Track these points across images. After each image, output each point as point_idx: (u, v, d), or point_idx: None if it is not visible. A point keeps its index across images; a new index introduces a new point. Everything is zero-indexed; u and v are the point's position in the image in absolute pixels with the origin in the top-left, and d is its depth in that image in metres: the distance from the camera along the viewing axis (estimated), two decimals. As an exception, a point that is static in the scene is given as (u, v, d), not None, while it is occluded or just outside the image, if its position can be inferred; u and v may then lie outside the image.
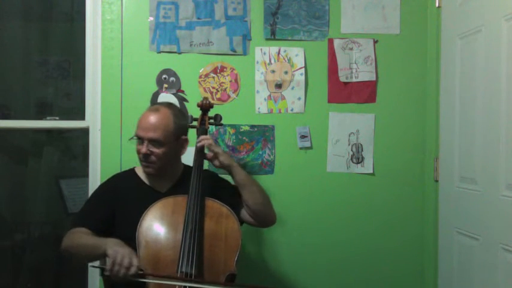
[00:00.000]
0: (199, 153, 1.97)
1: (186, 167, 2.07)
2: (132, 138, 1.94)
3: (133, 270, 1.62)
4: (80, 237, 1.81)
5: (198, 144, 1.96)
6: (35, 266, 2.97)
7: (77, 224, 1.88)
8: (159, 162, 1.91)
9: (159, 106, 1.97)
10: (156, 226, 1.79)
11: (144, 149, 1.89)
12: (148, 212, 1.81)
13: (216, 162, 1.97)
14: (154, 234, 1.77)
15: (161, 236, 1.78)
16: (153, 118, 1.89)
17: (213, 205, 1.88)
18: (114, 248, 1.65)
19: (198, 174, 1.90)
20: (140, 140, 1.90)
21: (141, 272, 1.64)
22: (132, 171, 2.06)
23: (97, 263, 1.78)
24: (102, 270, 1.65)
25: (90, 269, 2.43)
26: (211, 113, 2.14)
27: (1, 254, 2.99)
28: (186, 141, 1.99)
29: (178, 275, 1.67)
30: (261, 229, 2.44)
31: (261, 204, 1.96)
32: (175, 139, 1.93)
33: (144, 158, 1.91)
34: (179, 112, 2.01)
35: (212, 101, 2.22)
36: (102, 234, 1.81)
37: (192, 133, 2.09)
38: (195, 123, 2.11)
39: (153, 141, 1.88)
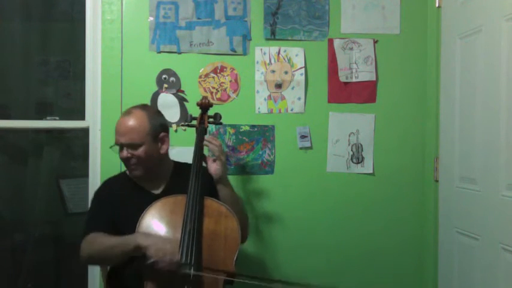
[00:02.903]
0: (199, 152, 1.97)
1: (177, 163, 2.07)
2: (112, 146, 1.93)
3: (178, 257, 1.63)
4: (101, 241, 1.77)
5: (204, 142, 1.98)
6: (35, 266, 2.97)
7: (89, 233, 1.83)
8: (142, 163, 1.90)
9: (131, 109, 1.96)
10: (155, 226, 1.79)
11: (124, 154, 1.89)
12: (147, 212, 1.80)
13: (211, 169, 1.99)
14: (153, 234, 1.77)
15: (160, 235, 1.77)
16: (126, 122, 1.89)
17: (212, 204, 1.88)
18: (148, 239, 1.66)
19: (197, 173, 1.90)
20: (119, 145, 1.90)
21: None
22: (124, 174, 2.04)
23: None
24: (152, 263, 1.61)
25: (90, 269, 2.43)
26: (211, 112, 2.14)
27: (1, 254, 2.99)
28: (166, 136, 1.97)
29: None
30: (260, 228, 2.45)
31: None
32: (153, 138, 1.91)
33: (126, 162, 1.92)
34: (153, 111, 2.00)
35: (212, 101, 2.23)
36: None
37: (191, 132, 2.10)
38: (194, 122, 2.12)
39: (130, 145, 1.88)
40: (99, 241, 1.78)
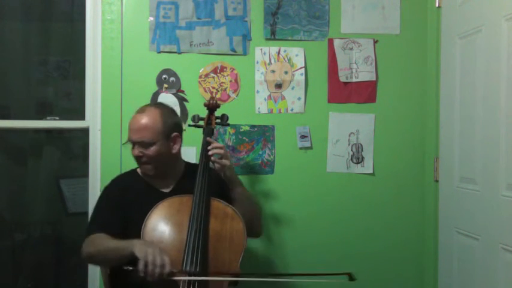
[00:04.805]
0: (206, 152, 1.97)
1: (188, 164, 2.07)
2: (125, 142, 1.94)
3: (167, 268, 1.57)
4: (102, 242, 1.75)
5: (210, 152, 1.97)
6: (35, 266, 2.97)
7: (93, 231, 1.82)
8: (153, 162, 1.91)
9: (146, 107, 1.96)
10: (161, 226, 1.78)
11: (135, 151, 1.89)
12: (153, 212, 1.79)
13: (220, 172, 1.99)
14: (159, 234, 1.76)
15: (166, 235, 1.76)
16: (139, 120, 1.89)
17: (219, 205, 1.87)
18: (143, 247, 1.60)
19: (204, 174, 1.90)
20: (131, 143, 1.91)
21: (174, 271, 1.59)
22: (134, 172, 2.04)
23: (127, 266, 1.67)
24: (135, 272, 1.56)
25: (90, 269, 2.43)
26: (218, 112, 2.14)
27: (1, 254, 2.99)
28: (177, 137, 1.97)
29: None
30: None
31: (248, 221, 1.90)
32: (165, 137, 1.91)
33: (137, 160, 1.92)
34: (168, 110, 1.99)
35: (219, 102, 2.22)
36: (120, 237, 1.74)
37: (197, 132, 2.11)
38: (201, 122, 2.12)
39: (142, 143, 1.88)
40: (99, 242, 1.76)
